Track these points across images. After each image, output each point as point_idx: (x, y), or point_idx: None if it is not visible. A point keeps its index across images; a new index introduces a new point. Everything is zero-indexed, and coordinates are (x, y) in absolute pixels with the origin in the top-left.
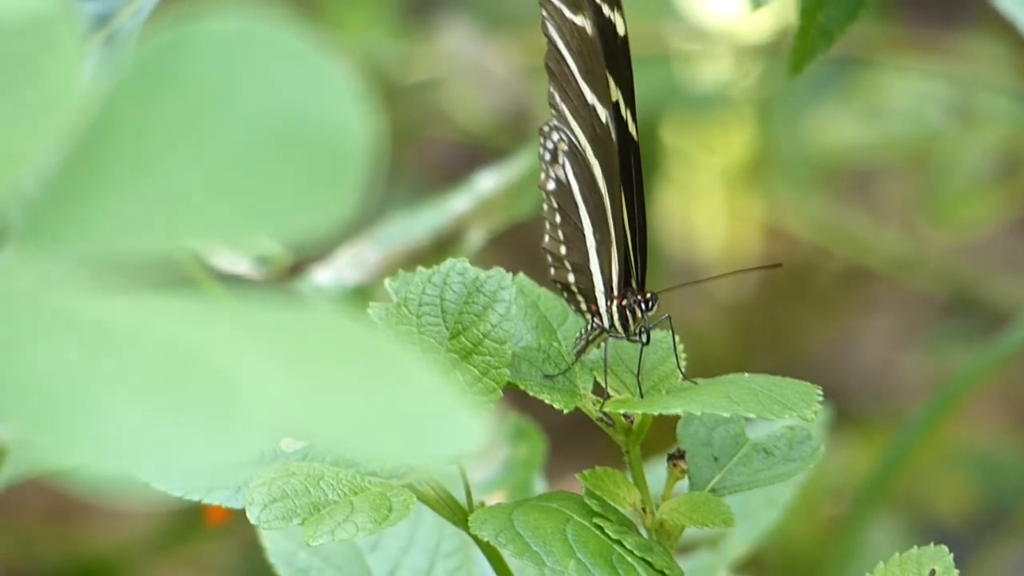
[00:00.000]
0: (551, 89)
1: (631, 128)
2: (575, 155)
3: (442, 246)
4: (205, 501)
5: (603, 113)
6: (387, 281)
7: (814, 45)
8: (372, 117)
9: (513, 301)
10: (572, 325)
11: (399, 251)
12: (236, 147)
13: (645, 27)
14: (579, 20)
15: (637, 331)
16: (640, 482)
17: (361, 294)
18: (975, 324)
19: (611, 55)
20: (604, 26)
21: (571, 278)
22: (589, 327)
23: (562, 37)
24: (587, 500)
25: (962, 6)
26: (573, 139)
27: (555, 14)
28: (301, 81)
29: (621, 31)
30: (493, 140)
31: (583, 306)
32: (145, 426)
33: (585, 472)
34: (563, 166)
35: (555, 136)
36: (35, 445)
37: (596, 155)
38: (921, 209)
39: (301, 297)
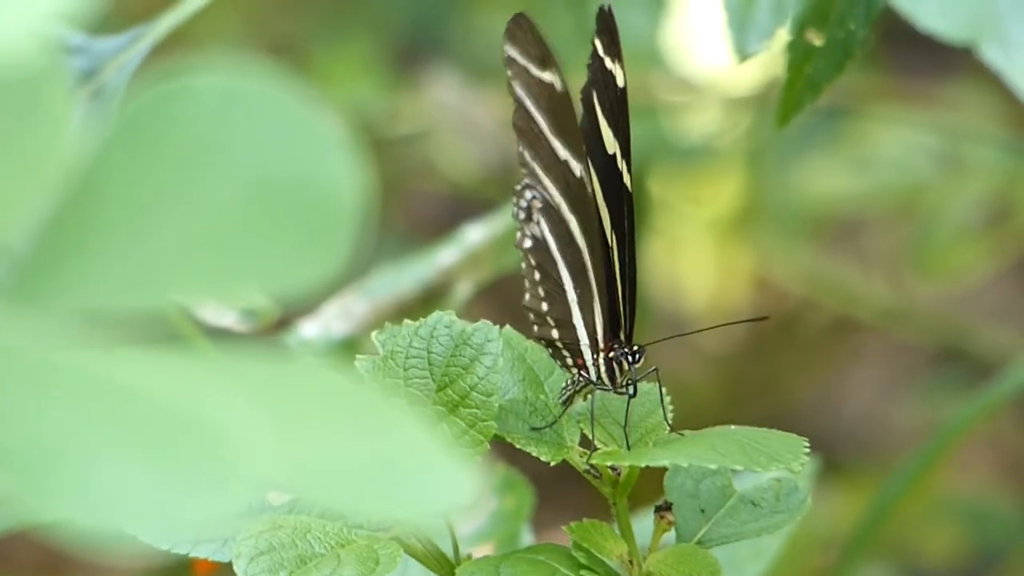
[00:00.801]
0: (521, 149)
1: (626, 179)
2: (550, 212)
3: (429, 299)
4: (192, 554)
5: (577, 168)
6: (374, 334)
7: (802, 97)
8: (361, 173)
9: (500, 354)
10: (559, 377)
11: (386, 303)
12: (225, 203)
13: (633, 78)
14: (547, 76)
15: (624, 383)
16: (627, 534)
17: (348, 347)
18: (963, 374)
19: (610, 106)
20: (603, 78)
21: (555, 334)
22: (576, 379)
23: (530, 95)
24: (574, 552)
25: (948, 56)
26: (547, 196)
27: (521, 73)
28: (290, 137)
29: (620, 83)
30: (480, 192)
31: (569, 361)
32: (133, 481)
33: (572, 524)
34: (538, 223)
35: (528, 194)
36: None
37: (572, 210)
38: (909, 259)
39: (288, 350)
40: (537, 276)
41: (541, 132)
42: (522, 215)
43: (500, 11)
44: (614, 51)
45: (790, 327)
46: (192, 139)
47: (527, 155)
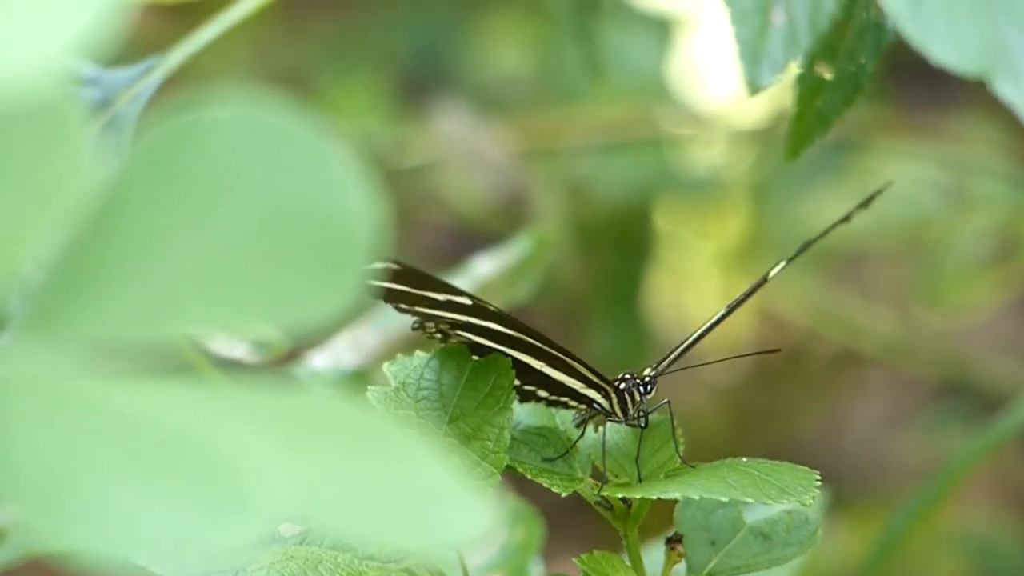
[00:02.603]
0: (393, 304)
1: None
2: (463, 326)
3: None
4: None
5: (463, 299)
6: (386, 365)
7: (811, 130)
8: (377, 205)
9: (512, 386)
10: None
11: (397, 335)
12: (240, 235)
13: (639, 112)
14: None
15: (636, 415)
16: (638, 566)
17: (359, 378)
18: (967, 407)
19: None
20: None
21: (543, 394)
22: (588, 409)
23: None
24: None
25: (953, 90)
26: (448, 320)
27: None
28: (306, 169)
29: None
30: (488, 224)
31: (573, 404)
32: (147, 512)
33: (583, 556)
34: (459, 336)
35: (430, 324)
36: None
37: (485, 319)
38: (915, 292)
39: (299, 382)
40: None
41: (404, 292)
42: (438, 336)
43: (508, 44)
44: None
45: (794, 360)
46: (208, 170)
47: (403, 307)
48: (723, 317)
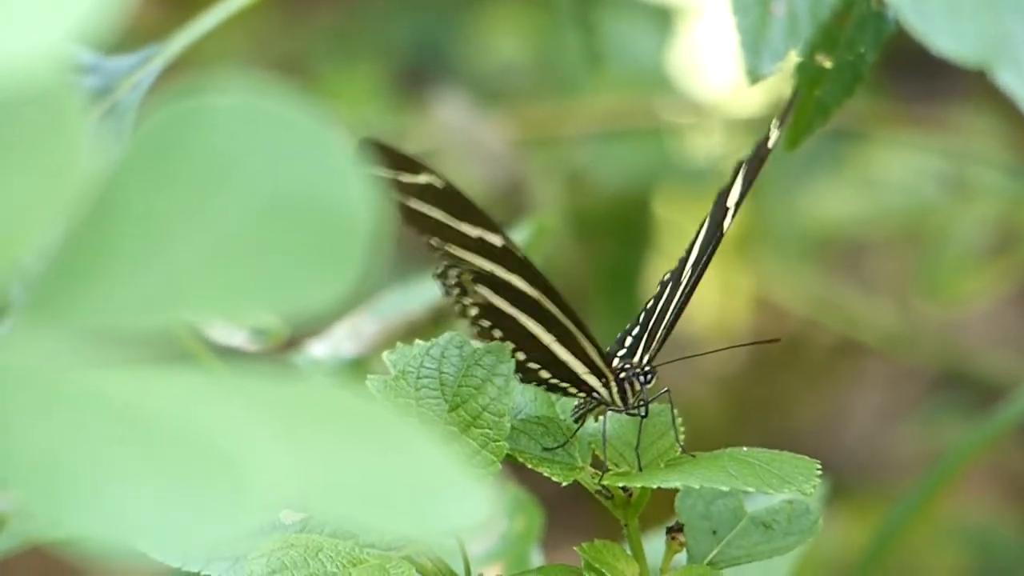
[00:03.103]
0: (426, 240)
1: (726, 223)
2: (485, 278)
3: (439, 319)
4: (203, 573)
5: (496, 239)
6: (385, 354)
7: (812, 120)
8: (377, 193)
9: (512, 374)
10: (570, 398)
11: (396, 324)
12: (240, 223)
13: (638, 101)
14: (423, 179)
15: (636, 404)
16: (638, 555)
17: (358, 367)
18: (965, 398)
19: (753, 163)
20: (759, 150)
21: (545, 375)
22: (587, 399)
23: (412, 197)
24: (586, 573)
25: (953, 82)
26: (475, 267)
27: (395, 183)
28: (307, 157)
29: (770, 144)
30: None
31: (573, 390)
32: (148, 501)
33: (584, 545)
34: (477, 292)
35: (453, 272)
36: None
37: (510, 271)
38: (915, 283)
39: (298, 370)
40: (499, 334)
41: (442, 223)
42: (456, 291)
43: (507, 34)
44: (782, 120)
45: (793, 350)
46: (208, 158)
47: (435, 242)
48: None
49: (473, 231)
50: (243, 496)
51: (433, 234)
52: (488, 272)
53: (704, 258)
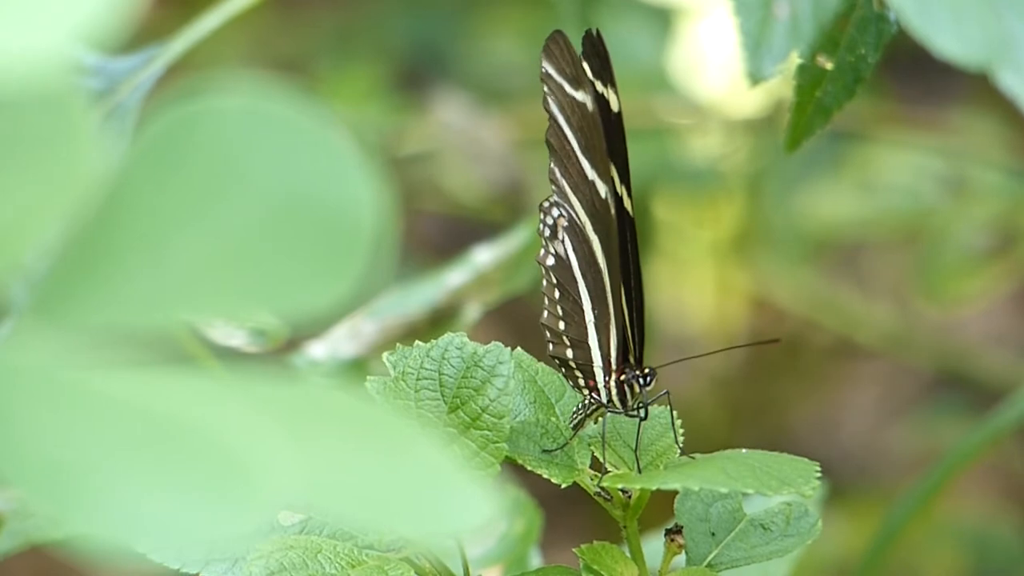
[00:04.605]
0: (552, 164)
1: (626, 203)
2: (575, 231)
3: (438, 320)
4: (202, 574)
5: (603, 189)
6: (385, 355)
7: (812, 121)
8: (382, 195)
9: (511, 376)
10: (570, 400)
11: (395, 325)
12: (245, 225)
13: (638, 101)
14: (580, 96)
15: (635, 406)
16: (637, 557)
17: (357, 367)
18: (963, 399)
19: (607, 131)
20: (601, 102)
21: (569, 353)
22: (587, 401)
23: (563, 113)
24: (584, 575)
25: (954, 81)
26: (573, 215)
27: (556, 90)
28: (312, 158)
29: (615, 107)
30: (486, 214)
31: (581, 382)
32: (154, 499)
33: (583, 547)
34: (563, 242)
35: (555, 212)
36: (39, 514)
37: (595, 231)
38: (913, 284)
39: (297, 371)
40: (557, 295)
41: (572, 150)
42: (548, 232)
43: (506, 34)
44: (606, 76)
45: (791, 350)
46: (213, 160)
47: (557, 172)
48: None
49: (591, 172)
50: (249, 494)
51: (559, 162)
52: (580, 224)
53: (631, 247)
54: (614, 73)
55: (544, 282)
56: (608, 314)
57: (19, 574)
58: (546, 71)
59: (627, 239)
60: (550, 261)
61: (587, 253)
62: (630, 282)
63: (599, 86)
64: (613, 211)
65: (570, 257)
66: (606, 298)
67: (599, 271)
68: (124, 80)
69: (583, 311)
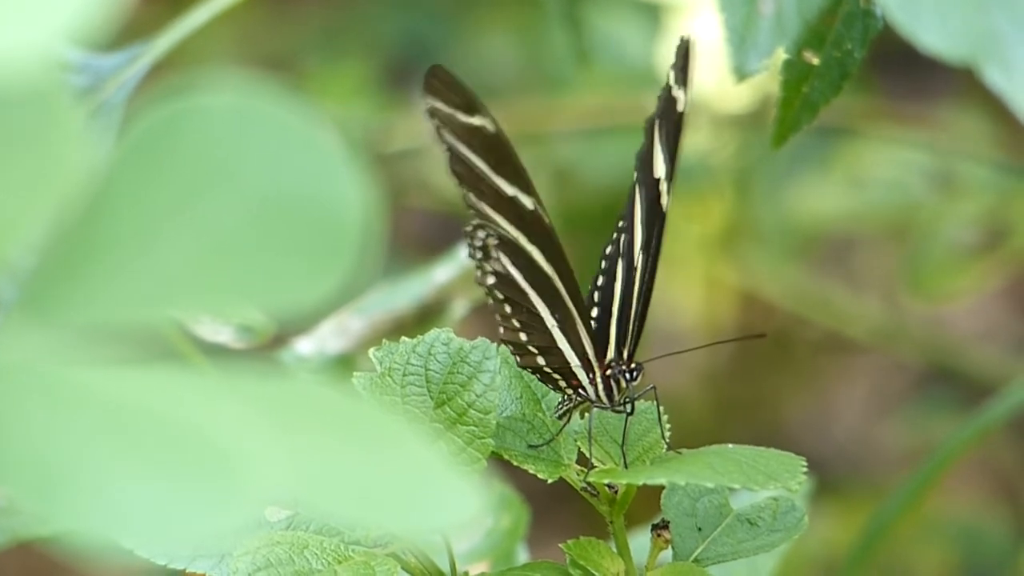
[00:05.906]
0: (464, 192)
1: (663, 201)
2: (507, 246)
3: (424, 316)
4: (189, 570)
5: (528, 201)
6: (372, 351)
7: (799, 117)
8: (369, 192)
9: (497, 371)
10: (556, 395)
11: (382, 320)
12: (232, 221)
13: (626, 97)
14: (476, 120)
15: (622, 401)
16: (624, 552)
17: (344, 363)
18: (952, 394)
19: (667, 134)
20: (668, 107)
21: (541, 361)
22: (572, 396)
23: (462, 140)
24: (571, 570)
25: (941, 77)
26: (501, 232)
27: (449, 120)
28: (297, 156)
29: (680, 108)
30: None
31: (563, 383)
32: (142, 494)
33: (569, 542)
34: (498, 259)
35: (481, 233)
36: (27, 512)
37: (532, 242)
38: (902, 279)
39: (284, 367)
40: (508, 309)
41: (482, 173)
42: (479, 254)
43: (495, 30)
44: (683, 79)
45: (780, 345)
46: (200, 158)
47: (472, 196)
48: None
49: (509, 189)
50: (236, 490)
51: (471, 187)
52: (512, 238)
53: (655, 242)
54: (692, 78)
55: (491, 301)
56: (571, 316)
57: (9, 572)
58: (432, 106)
59: (655, 236)
60: (491, 280)
61: (528, 263)
62: (646, 276)
63: (675, 90)
64: (547, 220)
65: (511, 271)
66: (563, 301)
67: (547, 277)
68: (110, 77)
69: (542, 318)
